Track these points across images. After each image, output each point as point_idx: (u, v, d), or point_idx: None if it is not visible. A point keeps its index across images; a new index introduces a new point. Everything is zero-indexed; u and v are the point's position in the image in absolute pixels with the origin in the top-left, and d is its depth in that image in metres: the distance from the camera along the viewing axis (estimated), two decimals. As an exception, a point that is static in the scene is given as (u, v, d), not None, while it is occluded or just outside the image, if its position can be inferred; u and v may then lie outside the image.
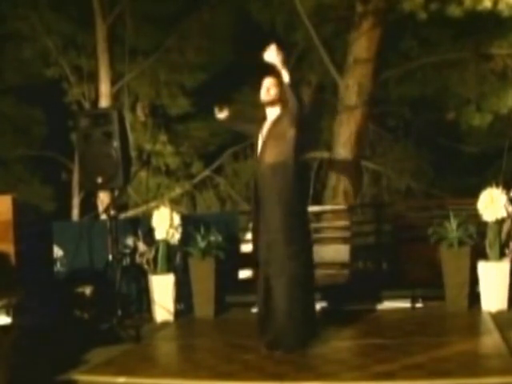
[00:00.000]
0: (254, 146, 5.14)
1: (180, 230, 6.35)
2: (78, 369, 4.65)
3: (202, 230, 6.33)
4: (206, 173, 13.35)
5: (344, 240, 7.66)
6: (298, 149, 4.95)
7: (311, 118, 4.91)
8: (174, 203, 11.54)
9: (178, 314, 6.31)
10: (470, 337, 5.01)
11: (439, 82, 11.25)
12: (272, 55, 4.82)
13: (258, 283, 5.06)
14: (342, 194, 9.66)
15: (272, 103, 5.03)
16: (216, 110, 5.41)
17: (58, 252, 6.89)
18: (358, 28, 9.65)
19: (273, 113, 5.06)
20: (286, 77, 4.82)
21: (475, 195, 5.95)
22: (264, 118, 5.11)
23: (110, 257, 5.91)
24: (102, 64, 12.24)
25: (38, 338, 4.94)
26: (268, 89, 5.01)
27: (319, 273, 6.52)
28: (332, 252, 7.33)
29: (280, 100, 5.02)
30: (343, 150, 9.66)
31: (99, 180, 5.88)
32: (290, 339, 4.79)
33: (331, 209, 8.78)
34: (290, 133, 4.92)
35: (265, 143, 4.99)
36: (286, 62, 4.88)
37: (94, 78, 12.59)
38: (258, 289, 5.03)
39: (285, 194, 4.86)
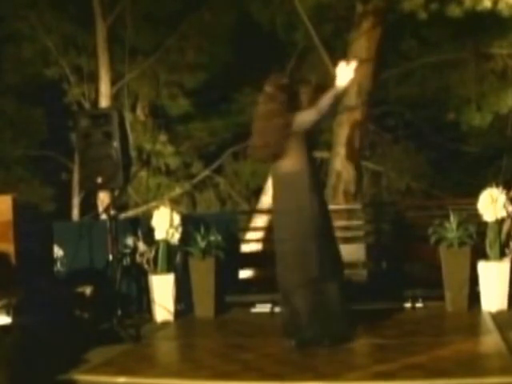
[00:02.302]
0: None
1: (180, 229, 6.34)
2: (78, 369, 4.65)
3: (202, 230, 6.33)
4: (206, 173, 13.35)
5: (347, 240, 7.63)
6: None
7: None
8: (174, 203, 11.53)
9: (177, 313, 6.30)
10: (469, 337, 5.01)
11: (439, 82, 11.25)
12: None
13: (282, 283, 4.94)
14: (342, 193, 9.65)
15: None
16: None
17: (58, 252, 6.88)
18: (357, 28, 9.63)
19: None
20: None
21: (475, 195, 5.95)
22: None
23: (110, 257, 5.90)
24: (102, 64, 12.24)
25: (37, 338, 4.93)
26: None
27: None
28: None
29: None
30: (343, 150, 9.65)
31: (99, 180, 5.87)
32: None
33: (331, 208, 8.75)
34: None
35: None
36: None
37: (94, 78, 12.59)
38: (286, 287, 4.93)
39: None
